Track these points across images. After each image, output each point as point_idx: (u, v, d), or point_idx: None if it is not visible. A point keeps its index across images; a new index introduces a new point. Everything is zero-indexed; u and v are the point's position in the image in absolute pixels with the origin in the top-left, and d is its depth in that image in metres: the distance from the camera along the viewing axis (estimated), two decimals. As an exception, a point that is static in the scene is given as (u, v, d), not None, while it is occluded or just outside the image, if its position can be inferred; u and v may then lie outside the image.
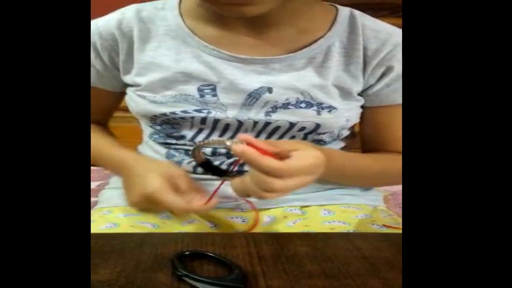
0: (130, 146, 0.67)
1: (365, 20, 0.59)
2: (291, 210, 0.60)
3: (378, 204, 0.63)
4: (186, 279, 0.33)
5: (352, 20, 0.59)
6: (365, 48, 0.57)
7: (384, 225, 0.52)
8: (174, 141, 0.62)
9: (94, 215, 0.61)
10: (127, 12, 0.61)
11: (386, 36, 0.57)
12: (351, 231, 0.52)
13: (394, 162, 0.59)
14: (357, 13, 0.61)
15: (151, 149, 0.65)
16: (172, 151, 0.63)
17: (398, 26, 1.73)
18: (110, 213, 0.59)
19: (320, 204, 0.59)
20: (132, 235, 0.43)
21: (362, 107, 0.61)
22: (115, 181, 0.67)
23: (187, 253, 0.36)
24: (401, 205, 1.22)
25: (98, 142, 0.62)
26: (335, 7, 0.61)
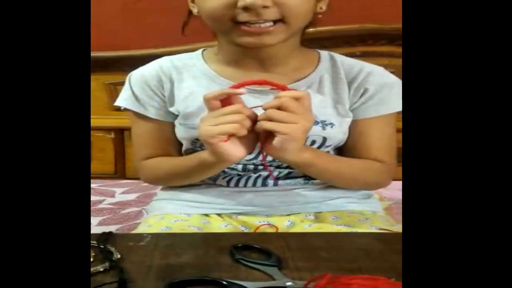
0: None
1: (341, 59, 0.76)
2: (306, 216, 0.74)
3: (377, 210, 0.78)
4: (241, 261, 0.49)
5: (332, 59, 0.75)
6: (346, 77, 0.73)
7: (381, 228, 0.68)
8: None
9: (150, 221, 0.77)
10: (164, 61, 0.76)
11: (359, 68, 0.73)
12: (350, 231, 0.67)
13: (369, 167, 0.74)
14: (335, 55, 0.77)
15: None
16: None
17: (397, 54, 1.84)
18: (163, 219, 0.74)
19: (330, 211, 0.74)
20: (195, 234, 0.60)
21: None
22: (162, 193, 0.82)
23: (239, 245, 0.52)
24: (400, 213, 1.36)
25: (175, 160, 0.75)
26: (317, 51, 0.77)
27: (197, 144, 0.74)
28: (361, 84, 0.72)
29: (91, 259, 0.49)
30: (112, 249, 0.51)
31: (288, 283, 0.44)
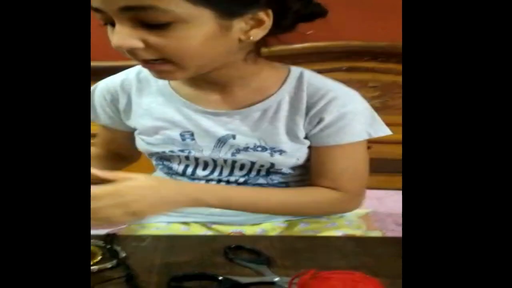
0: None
1: (311, 79, 0.69)
2: (277, 224, 0.78)
3: (345, 214, 0.80)
4: (234, 260, 0.56)
5: (300, 80, 0.69)
6: (307, 102, 0.68)
7: (346, 235, 0.72)
8: (171, 172, 0.76)
9: (131, 229, 0.79)
10: (130, 73, 0.75)
11: (323, 93, 0.68)
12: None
13: (303, 195, 0.71)
14: (306, 73, 0.70)
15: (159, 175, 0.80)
16: (173, 179, 0.77)
17: (380, 69, 1.92)
18: (144, 228, 0.78)
19: (299, 218, 0.78)
20: (192, 237, 0.67)
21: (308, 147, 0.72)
22: None
23: (232, 246, 0.59)
24: (380, 220, 1.44)
25: None
26: (289, 69, 0.71)
27: (153, 158, 0.77)
28: (318, 112, 0.68)
29: (100, 257, 0.55)
30: (118, 248, 0.56)
31: (276, 279, 0.51)
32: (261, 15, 0.58)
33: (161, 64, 0.58)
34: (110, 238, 0.59)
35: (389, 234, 1.31)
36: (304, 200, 0.71)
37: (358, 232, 0.77)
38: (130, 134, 0.78)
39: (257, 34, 0.59)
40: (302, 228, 0.77)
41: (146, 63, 0.58)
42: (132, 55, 0.56)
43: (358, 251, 0.62)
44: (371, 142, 2.00)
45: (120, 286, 0.49)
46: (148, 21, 0.52)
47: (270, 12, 0.58)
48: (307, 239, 0.68)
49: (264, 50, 0.67)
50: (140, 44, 0.54)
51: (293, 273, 0.51)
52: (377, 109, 2.21)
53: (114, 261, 0.53)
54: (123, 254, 0.55)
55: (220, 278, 0.50)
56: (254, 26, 0.59)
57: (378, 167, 1.80)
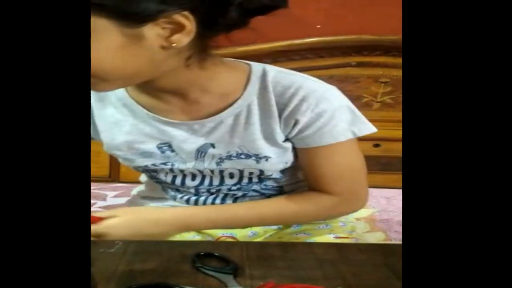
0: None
1: (276, 76, 0.64)
2: (269, 226, 0.75)
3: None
4: (200, 268, 0.53)
5: (263, 79, 0.64)
6: (277, 103, 0.63)
7: (338, 237, 0.71)
8: (160, 181, 0.74)
9: None
10: None
11: (293, 91, 0.62)
12: (312, 240, 0.70)
13: (296, 204, 0.69)
14: (269, 71, 0.64)
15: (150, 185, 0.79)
16: (166, 188, 0.75)
17: (391, 64, 1.90)
18: None
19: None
20: (163, 242, 0.65)
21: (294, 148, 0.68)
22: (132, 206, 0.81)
23: (202, 253, 0.57)
24: (386, 221, 1.40)
25: None
26: (248, 64, 0.65)
27: (138, 170, 0.73)
28: (292, 114, 0.63)
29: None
30: (83, 254, 0.55)
31: (236, 290, 0.49)
32: (178, 18, 0.52)
33: None
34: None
35: (393, 235, 1.27)
36: (296, 209, 0.69)
37: (350, 235, 0.74)
38: None
39: (180, 39, 0.53)
40: (294, 230, 0.75)
41: None
42: None
43: (337, 259, 0.58)
44: (380, 140, 1.95)
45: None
46: None
47: (188, 14, 0.52)
48: (287, 245, 0.65)
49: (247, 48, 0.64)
50: None
51: (259, 283, 0.49)
52: (388, 105, 2.17)
53: (75, 269, 0.52)
54: (87, 261, 0.54)
55: (179, 288, 0.48)
56: (175, 31, 0.53)
57: (387, 166, 1.77)
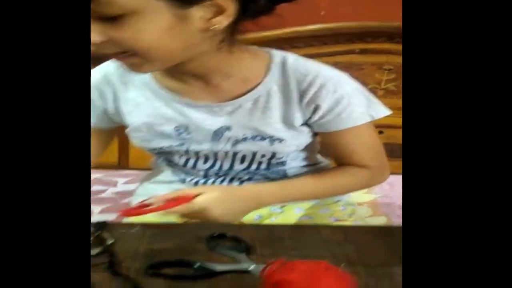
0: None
1: (295, 64, 0.67)
2: (273, 209, 0.78)
3: (341, 198, 0.81)
4: (214, 247, 0.58)
5: (283, 66, 0.68)
6: (298, 89, 0.67)
7: (338, 220, 0.74)
8: (172, 164, 0.77)
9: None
10: (110, 67, 0.71)
11: (312, 79, 0.66)
12: (312, 223, 0.74)
13: (338, 176, 0.74)
14: (289, 58, 0.68)
15: (160, 168, 0.80)
16: (176, 171, 0.78)
17: (395, 51, 1.89)
18: None
19: (294, 204, 0.78)
20: (179, 225, 0.69)
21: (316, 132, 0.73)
22: (141, 189, 0.84)
23: (215, 234, 0.61)
24: (388, 206, 1.43)
25: None
26: (269, 55, 0.69)
27: (154, 151, 0.76)
28: (312, 100, 0.67)
29: (87, 244, 0.57)
30: (107, 235, 0.59)
31: (251, 267, 0.53)
32: (221, 1, 0.55)
33: (129, 57, 0.57)
34: (99, 226, 0.62)
35: (395, 220, 1.30)
36: (348, 181, 0.74)
37: (350, 218, 0.77)
38: (105, 134, 0.77)
39: (221, 22, 0.57)
40: (297, 214, 0.78)
41: (116, 56, 0.58)
42: (98, 49, 0.56)
43: (342, 240, 0.63)
44: (383, 127, 1.96)
45: (102, 272, 0.52)
46: (101, 14, 0.52)
47: None
48: (294, 227, 0.69)
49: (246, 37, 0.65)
50: (97, 38, 0.54)
51: (270, 261, 0.53)
52: (392, 92, 2.17)
53: (100, 248, 0.56)
54: (110, 241, 0.58)
55: (196, 265, 0.52)
56: (216, 14, 0.56)
57: (390, 152, 1.79)
